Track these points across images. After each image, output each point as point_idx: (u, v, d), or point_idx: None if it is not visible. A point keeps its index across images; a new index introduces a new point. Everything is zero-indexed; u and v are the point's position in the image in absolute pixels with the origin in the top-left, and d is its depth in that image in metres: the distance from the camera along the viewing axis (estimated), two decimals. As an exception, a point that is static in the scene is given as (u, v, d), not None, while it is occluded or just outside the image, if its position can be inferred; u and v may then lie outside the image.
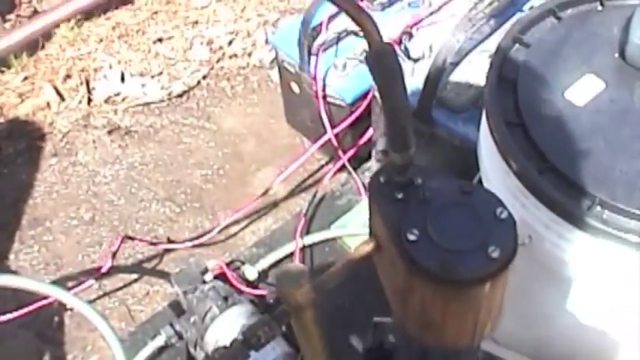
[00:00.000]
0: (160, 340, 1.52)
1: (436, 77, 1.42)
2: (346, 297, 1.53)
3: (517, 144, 0.96)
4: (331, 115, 1.80)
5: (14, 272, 1.87)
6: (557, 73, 1.04)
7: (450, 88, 1.45)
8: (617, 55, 1.03)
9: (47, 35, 2.39)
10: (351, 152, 1.82)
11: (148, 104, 2.26)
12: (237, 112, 2.23)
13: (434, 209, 0.69)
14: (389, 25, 1.67)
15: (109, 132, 2.19)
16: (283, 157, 2.05)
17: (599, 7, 1.12)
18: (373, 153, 1.78)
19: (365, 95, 1.74)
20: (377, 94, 1.60)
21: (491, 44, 1.47)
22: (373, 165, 1.80)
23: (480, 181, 1.11)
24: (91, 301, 1.76)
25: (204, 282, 1.52)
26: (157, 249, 1.90)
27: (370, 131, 1.76)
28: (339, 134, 1.81)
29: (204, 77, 2.32)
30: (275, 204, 1.97)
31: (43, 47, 2.37)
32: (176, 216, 1.99)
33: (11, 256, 1.92)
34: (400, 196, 0.71)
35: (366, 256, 0.75)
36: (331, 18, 1.81)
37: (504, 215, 0.68)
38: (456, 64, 1.47)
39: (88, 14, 2.44)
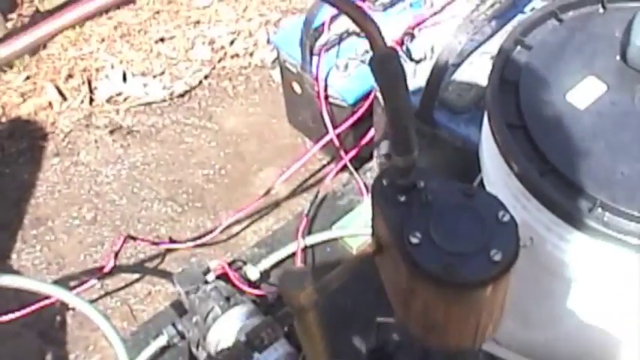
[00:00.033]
0: (162, 340, 1.52)
1: (438, 78, 1.42)
2: (348, 298, 1.53)
3: (518, 146, 0.97)
4: (333, 115, 1.80)
5: (16, 272, 1.87)
6: (558, 75, 1.04)
7: (451, 89, 1.45)
8: (618, 57, 1.04)
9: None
10: (352, 152, 1.83)
11: (149, 104, 2.26)
12: (238, 112, 2.24)
13: (436, 212, 0.69)
14: (390, 26, 1.68)
15: (111, 132, 2.20)
16: (285, 157, 2.06)
17: (601, 10, 1.12)
18: (375, 153, 1.78)
19: (367, 96, 1.74)
20: (379, 95, 1.61)
21: (493, 46, 1.47)
22: (375, 165, 1.80)
23: (482, 183, 1.12)
24: (93, 301, 1.77)
25: (206, 282, 1.52)
26: (158, 249, 1.90)
27: (372, 132, 1.77)
28: (341, 134, 1.82)
29: (205, 77, 2.33)
30: (277, 204, 1.98)
31: (44, 47, 2.38)
32: (178, 216, 1.99)
33: (13, 256, 1.92)
34: (403, 199, 0.71)
35: (368, 258, 0.76)
36: (333, 18, 1.81)
37: (506, 218, 0.69)
38: (457, 66, 1.48)
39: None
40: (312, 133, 1.99)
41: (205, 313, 1.44)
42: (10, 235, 1.96)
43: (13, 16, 2.50)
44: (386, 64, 0.65)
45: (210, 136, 2.17)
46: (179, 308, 1.57)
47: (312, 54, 1.78)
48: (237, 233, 1.93)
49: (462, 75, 1.48)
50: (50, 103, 2.25)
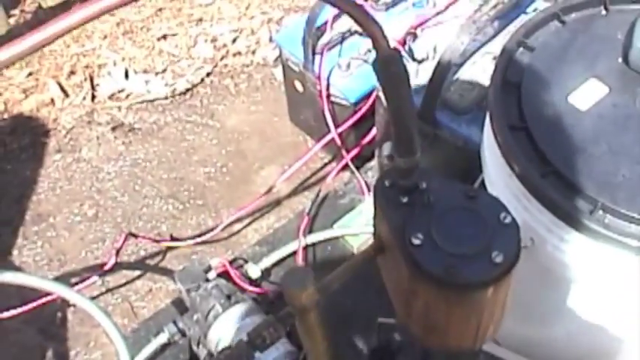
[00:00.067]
0: (162, 338, 1.52)
1: (440, 78, 1.42)
2: (350, 298, 1.54)
3: (520, 147, 0.97)
4: (335, 114, 1.81)
5: (18, 268, 1.87)
6: (560, 77, 1.04)
7: (453, 89, 1.45)
8: (620, 59, 1.04)
9: (52, 32, 2.39)
10: (354, 151, 1.83)
11: (151, 101, 2.27)
12: (240, 110, 2.24)
13: (438, 213, 0.70)
14: (393, 26, 1.67)
15: (113, 128, 2.20)
16: (286, 155, 2.06)
17: (603, 12, 1.12)
18: (376, 152, 1.79)
19: (369, 95, 1.74)
20: (381, 94, 1.61)
21: (495, 46, 1.47)
22: (376, 164, 1.81)
23: (483, 183, 1.12)
24: (94, 298, 1.78)
25: (207, 280, 1.53)
26: (160, 246, 1.90)
27: (374, 131, 1.77)
28: (343, 133, 1.82)
29: (208, 75, 2.33)
30: (278, 202, 1.98)
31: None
32: (179, 213, 1.99)
33: (15, 252, 1.93)
34: (405, 200, 0.71)
35: (370, 258, 0.76)
36: (336, 17, 1.81)
37: (508, 220, 0.69)
38: (459, 66, 1.48)
39: (92, 11, 2.45)
40: (313, 132, 1.99)
41: (206, 310, 1.44)
42: (11, 231, 1.96)
43: (16, 12, 2.50)
44: (390, 65, 0.65)
45: (211, 134, 2.17)
46: (180, 306, 1.58)
47: (314, 53, 1.78)
48: (239, 231, 1.93)
49: (464, 75, 1.47)
50: (52, 100, 2.25)
